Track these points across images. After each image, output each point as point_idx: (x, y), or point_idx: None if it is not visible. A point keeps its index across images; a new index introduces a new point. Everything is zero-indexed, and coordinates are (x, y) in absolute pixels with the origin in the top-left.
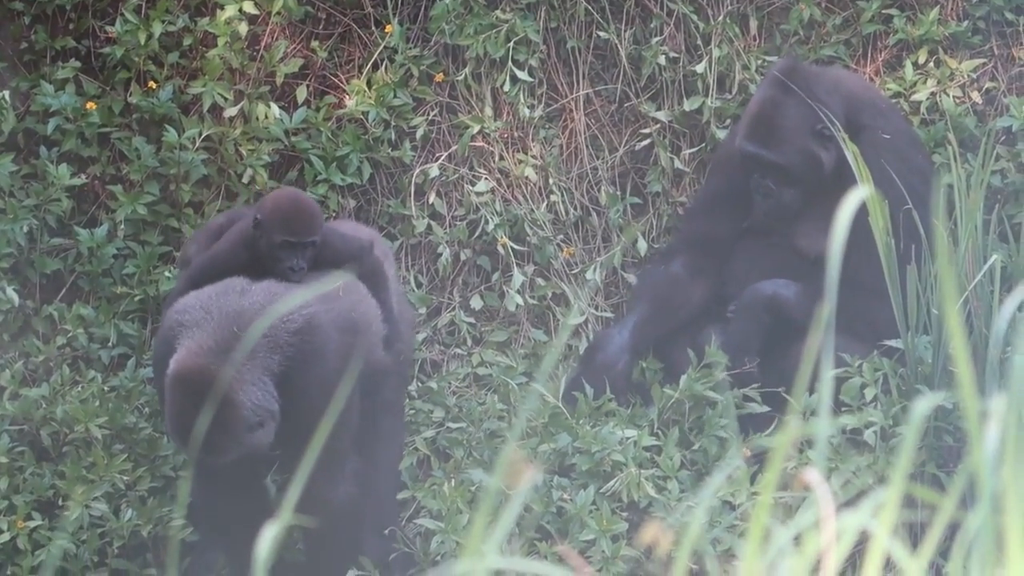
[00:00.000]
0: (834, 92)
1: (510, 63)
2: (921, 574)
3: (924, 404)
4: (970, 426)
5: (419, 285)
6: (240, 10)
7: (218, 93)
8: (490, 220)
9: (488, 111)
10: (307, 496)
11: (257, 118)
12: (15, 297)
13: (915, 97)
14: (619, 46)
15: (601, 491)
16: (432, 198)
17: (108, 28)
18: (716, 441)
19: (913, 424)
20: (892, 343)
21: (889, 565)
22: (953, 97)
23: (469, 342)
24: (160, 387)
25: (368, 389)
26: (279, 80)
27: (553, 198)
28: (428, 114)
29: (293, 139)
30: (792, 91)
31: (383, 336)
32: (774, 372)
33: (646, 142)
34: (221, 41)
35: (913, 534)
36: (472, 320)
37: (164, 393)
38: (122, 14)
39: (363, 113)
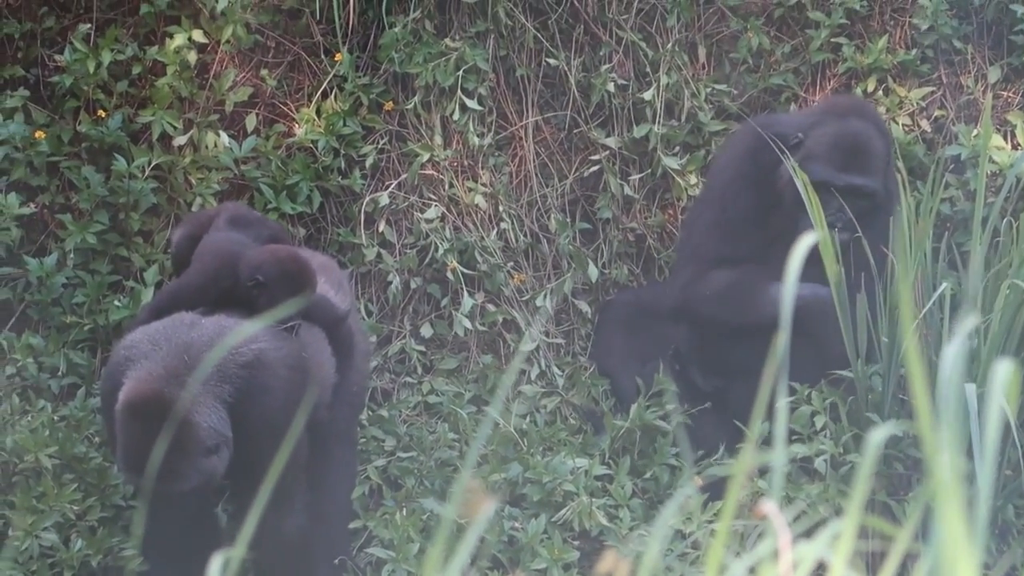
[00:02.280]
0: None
1: (459, 91)
2: None
3: (879, 434)
4: (927, 457)
5: (369, 314)
6: (189, 39)
7: (167, 122)
8: (440, 246)
9: (438, 139)
10: (258, 528)
11: (206, 146)
12: None
13: None
14: (568, 73)
15: (552, 520)
16: (382, 226)
17: (57, 57)
18: (667, 469)
19: (868, 454)
20: (841, 372)
21: None
22: (902, 125)
23: (419, 370)
24: (109, 422)
25: (317, 425)
26: (228, 109)
27: (503, 225)
28: (378, 142)
29: (243, 168)
30: (869, 122)
31: (333, 385)
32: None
33: (595, 168)
34: (170, 70)
35: (865, 563)
36: (422, 348)
37: (114, 427)
38: (71, 43)
39: (313, 142)
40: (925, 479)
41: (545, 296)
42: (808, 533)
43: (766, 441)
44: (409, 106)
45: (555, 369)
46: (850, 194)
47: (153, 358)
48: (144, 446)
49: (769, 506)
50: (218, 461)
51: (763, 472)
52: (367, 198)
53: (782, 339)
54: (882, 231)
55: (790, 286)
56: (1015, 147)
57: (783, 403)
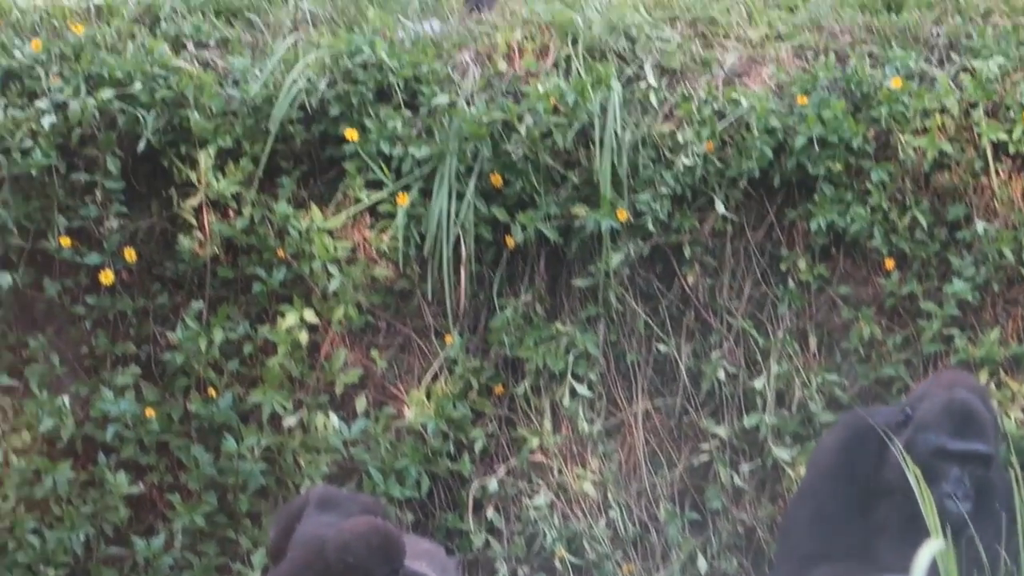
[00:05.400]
0: None
1: (570, 376)
2: None
3: None
4: None
5: None
6: (301, 319)
7: (278, 402)
8: (548, 534)
9: (547, 424)
10: None
11: (316, 428)
12: None
13: None
14: (678, 360)
15: None
16: (490, 512)
17: (169, 334)
18: None
19: None
20: None
21: None
22: (1015, 419)
23: None
24: None
25: None
26: (339, 390)
27: (612, 514)
28: (487, 426)
29: (352, 450)
30: (974, 391)
31: None
32: None
33: (705, 458)
34: (281, 349)
35: None
36: None
37: None
38: (183, 320)
39: (422, 425)
40: None
41: None
42: None
43: None
44: (519, 390)
45: None
46: (967, 460)
47: None
48: None
49: None
50: None
51: None
52: (476, 483)
53: None
54: (995, 528)
55: None
56: None
57: None
